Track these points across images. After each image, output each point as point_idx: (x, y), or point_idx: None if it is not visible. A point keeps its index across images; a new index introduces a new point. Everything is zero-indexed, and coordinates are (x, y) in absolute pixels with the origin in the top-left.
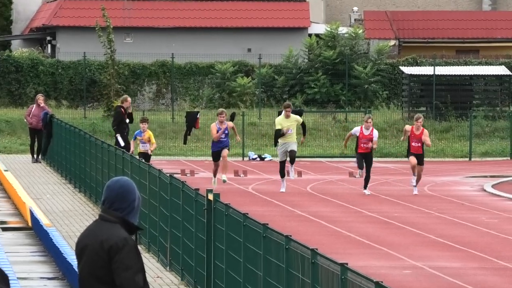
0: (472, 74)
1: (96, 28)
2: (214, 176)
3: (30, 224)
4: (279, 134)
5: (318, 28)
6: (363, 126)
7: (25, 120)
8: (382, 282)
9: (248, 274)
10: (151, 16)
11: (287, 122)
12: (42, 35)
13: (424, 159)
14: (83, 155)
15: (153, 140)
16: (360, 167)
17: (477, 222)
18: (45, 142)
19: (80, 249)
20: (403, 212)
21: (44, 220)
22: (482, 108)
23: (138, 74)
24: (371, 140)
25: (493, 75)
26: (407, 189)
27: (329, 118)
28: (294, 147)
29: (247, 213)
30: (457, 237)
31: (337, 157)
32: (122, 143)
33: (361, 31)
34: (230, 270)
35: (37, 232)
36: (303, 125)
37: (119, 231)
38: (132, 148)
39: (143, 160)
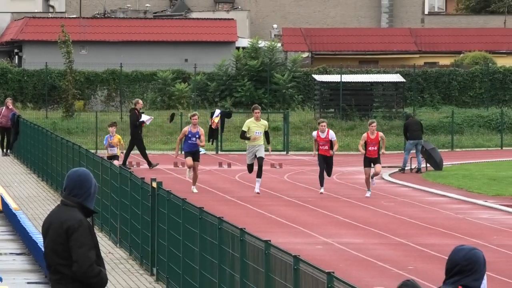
0: (372, 81)
1: (59, 42)
2: (188, 171)
3: (0, 208)
4: (244, 136)
5: (244, 42)
6: (319, 130)
7: None
8: (299, 255)
9: (186, 250)
10: (103, 31)
11: (256, 125)
12: (10, 48)
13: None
14: (45, 149)
15: (122, 142)
16: (320, 167)
17: (377, 205)
18: (13, 138)
19: (45, 229)
20: (316, 197)
21: (12, 205)
22: (381, 109)
23: (92, 81)
24: (328, 141)
25: (390, 82)
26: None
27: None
28: (262, 152)
29: (185, 198)
30: (360, 218)
31: None
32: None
33: (279, 44)
34: (171, 247)
35: (6, 214)
36: (267, 133)
37: (76, 214)
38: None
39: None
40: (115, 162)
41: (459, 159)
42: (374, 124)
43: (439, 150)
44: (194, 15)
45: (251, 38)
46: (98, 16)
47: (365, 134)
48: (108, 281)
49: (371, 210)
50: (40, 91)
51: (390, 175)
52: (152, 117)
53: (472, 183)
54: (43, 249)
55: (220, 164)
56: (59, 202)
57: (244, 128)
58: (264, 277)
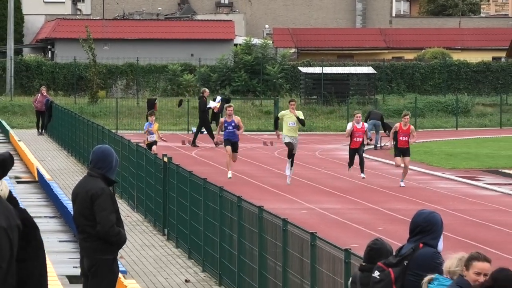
0: (349, 72)
1: (80, 40)
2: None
3: (36, 178)
4: (276, 122)
5: (240, 39)
6: (354, 121)
7: (32, 105)
8: (287, 218)
9: (192, 214)
10: (122, 31)
11: (289, 116)
12: (44, 45)
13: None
14: (74, 129)
15: (158, 130)
16: (350, 163)
17: (353, 177)
18: (47, 120)
19: (74, 196)
20: (302, 170)
21: (46, 176)
22: (356, 96)
23: (113, 72)
24: (363, 132)
25: (363, 73)
26: (308, 154)
27: (249, 103)
28: (295, 148)
29: (192, 171)
30: (339, 187)
31: (254, 131)
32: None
33: (270, 42)
34: (180, 211)
35: (41, 184)
36: (302, 121)
37: (100, 184)
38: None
39: (152, 147)
40: (153, 148)
41: (421, 138)
42: (408, 116)
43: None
44: (198, 17)
45: (246, 36)
46: (118, 18)
47: (397, 124)
48: (127, 239)
49: (348, 181)
50: (69, 81)
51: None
52: (219, 101)
53: (432, 158)
54: (72, 213)
55: (217, 143)
56: (85, 174)
57: (278, 116)
58: (258, 236)
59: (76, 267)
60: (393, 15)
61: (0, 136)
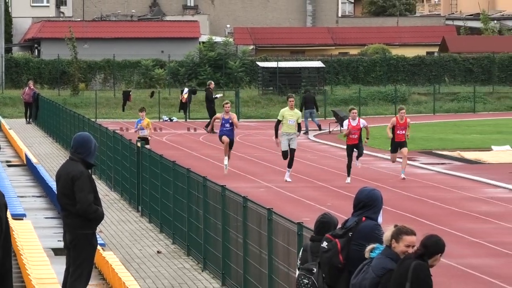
0: (301, 66)
1: (65, 39)
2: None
3: (25, 162)
4: (277, 126)
5: (205, 38)
6: (350, 117)
7: (21, 97)
8: (247, 196)
9: (163, 193)
10: (100, 31)
11: (289, 114)
12: (31, 44)
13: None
14: (58, 118)
15: (150, 125)
16: (348, 159)
17: (305, 158)
18: (34, 111)
19: (57, 178)
20: (260, 153)
21: (34, 160)
22: (307, 87)
23: (92, 67)
24: (359, 129)
25: (313, 67)
26: (265, 139)
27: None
28: (295, 143)
29: (162, 155)
30: (292, 168)
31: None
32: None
33: (231, 39)
34: (152, 191)
35: (29, 167)
36: (299, 125)
37: (79, 167)
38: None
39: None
40: (147, 146)
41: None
42: (404, 110)
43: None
44: (167, 18)
45: (210, 35)
46: (97, 19)
47: (394, 119)
48: (105, 216)
49: (300, 162)
50: (54, 75)
51: (314, 135)
52: (186, 93)
53: (374, 141)
54: (56, 193)
55: (188, 129)
56: (68, 158)
57: (279, 117)
58: (221, 212)
59: (60, 241)
60: (339, 15)
61: None
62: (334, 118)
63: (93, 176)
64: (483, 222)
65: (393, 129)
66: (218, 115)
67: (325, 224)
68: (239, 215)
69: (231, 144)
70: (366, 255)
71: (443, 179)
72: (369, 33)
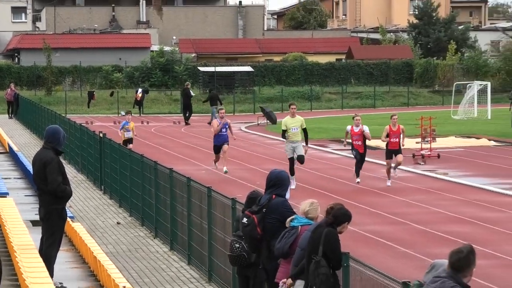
0: (234, 70)
1: (43, 49)
2: (215, 163)
3: (7, 150)
4: (284, 136)
5: (155, 47)
6: (353, 124)
7: (4, 97)
8: (190, 177)
9: (122, 175)
10: (69, 42)
11: (292, 121)
12: (12, 53)
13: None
14: (35, 114)
15: (133, 128)
16: (357, 159)
17: (239, 146)
18: (15, 108)
19: (33, 162)
20: (201, 142)
21: (15, 148)
22: (239, 88)
23: (62, 72)
24: (361, 136)
25: (244, 71)
26: (204, 130)
27: (162, 93)
28: (301, 150)
29: (120, 143)
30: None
31: (166, 113)
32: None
33: (177, 49)
34: (112, 173)
35: (11, 154)
36: (305, 131)
37: (50, 154)
38: (121, 136)
39: (128, 145)
40: (130, 146)
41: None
42: (396, 117)
43: (275, 112)
44: (124, 31)
45: (159, 45)
46: (66, 33)
47: (387, 127)
48: (73, 193)
49: (235, 149)
50: (31, 79)
51: (246, 127)
52: (140, 92)
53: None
54: (32, 175)
55: (142, 122)
56: (41, 146)
57: (283, 128)
58: (169, 191)
59: (37, 214)
60: (265, 29)
61: None
62: (262, 112)
63: (63, 161)
64: (381, 197)
65: (388, 137)
66: (214, 121)
67: (253, 199)
68: (184, 193)
69: (224, 147)
70: (287, 224)
71: (350, 162)
72: (289, 43)
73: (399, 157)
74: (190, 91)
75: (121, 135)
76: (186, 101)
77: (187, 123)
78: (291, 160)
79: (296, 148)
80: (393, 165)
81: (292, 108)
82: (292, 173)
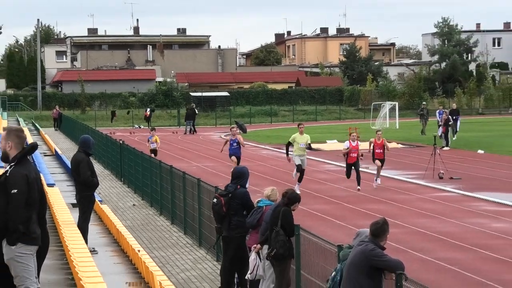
0: (215, 95)
1: (78, 80)
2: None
3: (54, 153)
4: (287, 147)
5: (159, 79)
6: (350, 139)
7: (51, 115)
8: (185, 172)
9: (136, 169)
10: (97, 76)
11: (300, 138)
12: (57, 84)
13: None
14: (73, 127)
15: (158, 141)
16: (347, 176)
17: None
18: (58, 123)
19: (71, 162)
20: (193, 146)
21: (59, 151)
22: (220, 107)
23: (92, 97)
24: (357, 149)
25: (223, 95)
26: (195, 138)
27: (164, 112)
28: (305, 164)
29: (134, 147)
30: (213, 155)
31: (167, 126)
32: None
33: (174, 80)
34: (129, 168)
35: (57, 156)
36: (310, 146)
37: (82, 155)
38: (148, 147)
39: (153, 155)
40: (153, 155)
41: (255, 128)
42: (380, 132)
43: (245, 124)
44: (137, 67)
45: (162, 77)
46: (95, 69)
47: (372, 139)
48: (100, 183)
49: (215, 151)
50: (70, 102)
51: (224, 135)
52: (148, 111)
53: (259, 138)
54: (70, 170)
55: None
56: (77, 150)
57: (291, 140)
58: (170, 182)
59: (74, 199)
60: (237, 65)
61: (35, 132)
62: (236, 124)
63: (93, 161)
64: (320, 184)
65: (373, 148)
66: (227, 137)
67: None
68: (181, 182)
69: (238, 160)
70: (255, 204)
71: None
72: (255, 75)
73: (378, 163)
74: (195, 110)
75: (148, 146)
76: (193, 116)
77: (195, 132)
78: (300, 166)
79: (303, 161)
80: (378, 180)
81: (301, 128)
82: (300, 180)
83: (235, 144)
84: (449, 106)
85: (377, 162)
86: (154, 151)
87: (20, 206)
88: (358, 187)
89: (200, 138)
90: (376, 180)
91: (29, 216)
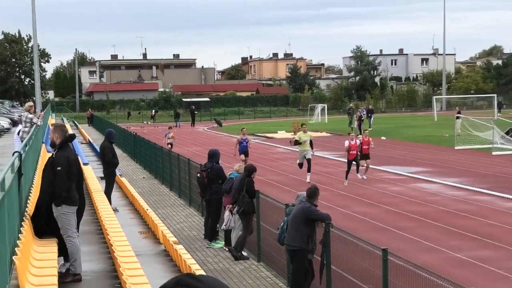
0: (200, 100)
1: (105, 91)
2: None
3: (87, 141)
4: (297, 143)
5: (161, 89)
6: (349, 139)
7: (86, 115)
8: (179, 154)
9: (146, 153)
10: (118, 88)
11: (305, 135)
12: (90, 94)
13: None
14: (101, 123)
15: (173, 136)
16: (348, 170)
17: (203, 137)
18: (91, 120)
19: (100, 148)
20: (189, 139)
21: (91, 140)
22: (203, 109)
23: (114, 103)
24: (357, 147)
25: (205, 100)
26: (187, 131)
27: (165, 112)
28: (309, 155)
29: (144, 137)
30: (201, 142)
31: (167, 122)
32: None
33: (172, 90)
34: (141, 153)
35: (90, 144)
36: (311, 142)
37: (107, 143)
38: (165, 141)
39: (170, 146)
40: (169, 147)
41: (228, 123)
42: (367, 131)
43: (221, 119)
44: (145, 81)
45: (163, 88)
46: (116, 83)
47: (361, 137)
48: (120, 163)
49: (198, 138)
50: (99, 106)
51: (207, 128)
52: (154, 113)
53: (231, 130)
54: (99, 154)
55: (155, 126)
56: (103, 140)
57: (297, 138)
58: (169, 161)
59: (102, 174)
60: (215, 79)
61: (74, 127)
62: (214, 120)
63: (116, 147)
64: (273, 162)
65: (361, 145)
66: (238, 137)
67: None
68: (176, 161)
69: (246, 155)
70: (228, 176)
71: (259, 146)
72: (227, 86)
73: (368, 162)
74: (195, 111)
75: (165, 141)
76: (192, 115)
77: (193, 126)
78: (301, 165)
79: (307, 154)
80: (365, 165)
81: (304, 127)
82: (309, 170)
83: (245, 142)
84: (366, 107)
85: (362, 162)
86: (170, 144)
87: (63, 178)
88: (361, 176)
89: (189, 131)
90: (363, 174)
91: (69, 185)
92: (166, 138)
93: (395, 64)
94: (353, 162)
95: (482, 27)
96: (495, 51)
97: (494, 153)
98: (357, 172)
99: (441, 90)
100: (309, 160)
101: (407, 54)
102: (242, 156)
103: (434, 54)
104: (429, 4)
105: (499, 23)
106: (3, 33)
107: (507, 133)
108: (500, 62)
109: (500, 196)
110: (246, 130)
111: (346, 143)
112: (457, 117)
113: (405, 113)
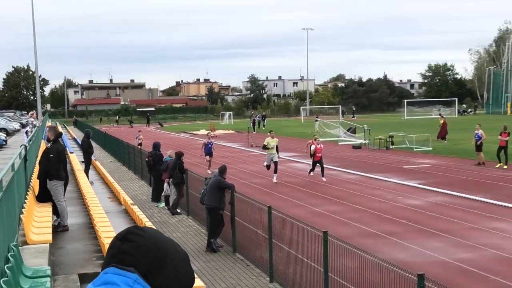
0: (149, 110)
1: (84, 104)
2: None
3: (73, 138)
4: (265, 147)
5: (122, 103)
6: (315, 142)
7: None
8: (128, 142)
9: (112, 145)
10: (94, 102)
11: (272, 141)
12: (74, 106)
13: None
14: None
15: (142, 138)
16: (312, 169)
17: (154, 137)
18: (86, 132)
19: (81, 142)
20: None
21: (76, 137)
22: (186, 114)
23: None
24: (321, 151)
25: (152, 110)
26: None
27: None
28: (276, 158)
29: (114, 136)
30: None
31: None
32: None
33: (129, 103)
34: (109, 145)
35: (75, 140)
36: (277, 147)
37: (85, 138)
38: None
39: (139, 146)
40: (139, 147)
41: (167, 125)
42: (319, 139)
43: (163, 122)
44: (112, 97)
45: (123, 102)
46: (92, 99)
47: (311, 140)
48: (94, 152)
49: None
50: (80, 114)
51: (155, 128)
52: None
53: (170, 129)
54: (81, 146)
55: (147, 126)
56: (83, 136)
57: (265, 143)
58: (127, 150)
59: (82, 162)
60: (158, 96)
61: (64, 128)
62: (158, 123)
63: (92, 141)
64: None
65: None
66: (204, 140)
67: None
68: (132, 150)
69: (211, 156)
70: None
71: (218, 147)
72: (167, 100)
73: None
74: (149, 117)
75: (136, 141)
76: (147, 119)
77: (148, 126)
78: (268, 166)
79: (273, 156)
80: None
81: (271, 133)
82: (276, 171)
83: (210, 145)
84: (261, 114)
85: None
86: (140, 144)
87: (54, 162)
88: (323, 178)
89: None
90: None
91: (58, 167)
92: (137, 139)
93: (276, 86)
94: (317, 164)
95: (331, 62)
96: (340, 77)
97: (340, 143)
98: (322, 175)
99: (305, 103)
100: (276, 163)
101: (284, 79)
102: (207, 157)
103: (301, 79)
104: (297, 48)
105: (341, 60)
106: (13, 66)
107: (348, 130)
108: (343, 84)
109: (345, 171)
110: (211, 135)
111: (313, 147)
112: (316, 120)
113: (283, 118)
